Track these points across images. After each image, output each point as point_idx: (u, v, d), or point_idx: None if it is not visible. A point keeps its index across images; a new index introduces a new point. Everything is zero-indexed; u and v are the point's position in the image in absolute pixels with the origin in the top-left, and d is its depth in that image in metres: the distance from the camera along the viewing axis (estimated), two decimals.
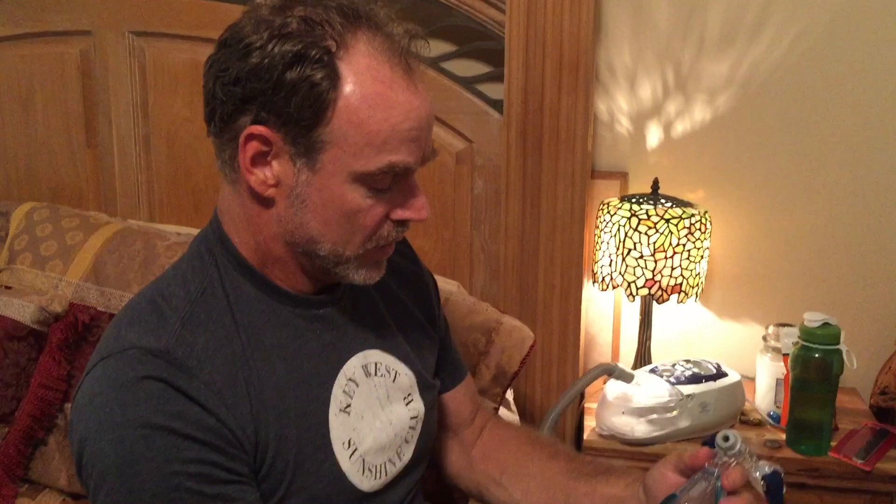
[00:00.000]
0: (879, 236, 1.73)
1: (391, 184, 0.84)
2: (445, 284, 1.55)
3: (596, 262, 1.71)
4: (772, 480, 0.88)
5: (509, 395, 1.60)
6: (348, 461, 0.90)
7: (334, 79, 0.79)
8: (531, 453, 1.09)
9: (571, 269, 1.67)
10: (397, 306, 1.02)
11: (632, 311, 1.81)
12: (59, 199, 1.83)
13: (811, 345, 1.48)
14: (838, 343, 1.47)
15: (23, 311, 1.31)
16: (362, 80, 0.80)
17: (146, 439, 0.77)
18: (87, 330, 1.30)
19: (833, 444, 1.53)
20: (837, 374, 1.49)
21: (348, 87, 0.80)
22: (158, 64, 1.80)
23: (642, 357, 1.74)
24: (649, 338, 1.74)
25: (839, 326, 1.48)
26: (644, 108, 1.78)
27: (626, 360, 1.81)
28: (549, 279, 1.68)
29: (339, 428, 0.90)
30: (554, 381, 1.71)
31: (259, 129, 0.81)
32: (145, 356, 0.80)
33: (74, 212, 1.52)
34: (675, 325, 1.84)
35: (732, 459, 0.86)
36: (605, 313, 1.85)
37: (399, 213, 0.86)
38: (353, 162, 0.81)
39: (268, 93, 0.79)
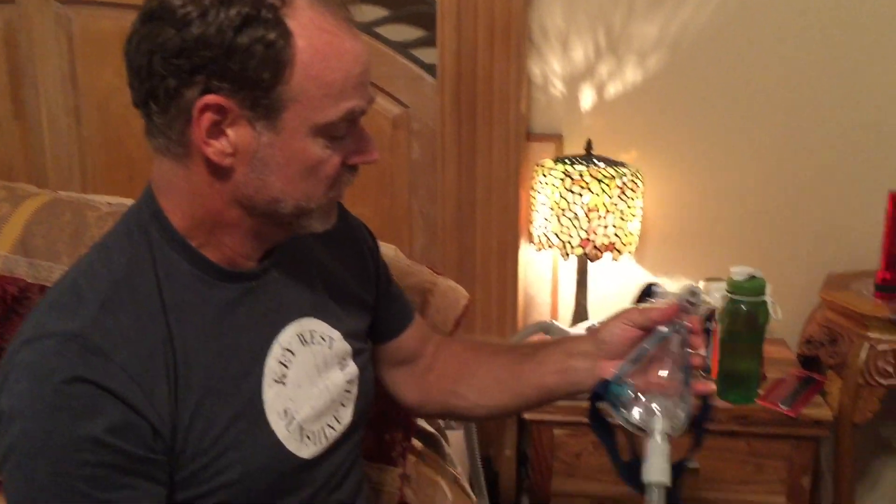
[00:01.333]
0: (806, 194, 1.79)
1: (346, 130, 0.85)
2: (382, 248, 1.56)
3: (532, 224, 1.73)
4: (712, 317, 0.97)
5: None
6: (286, 431, 0.91)
7: (287, 36, 0.78)
8: (476, 357, 1.13)
9: (508, 230, 1.69)
10: (329, 271, 1.02)
11: (570, 271, 1.84)
12: (9, 178, 1.80)
13: (738, 297, 1.53)
14: (764, 295, 1.53)
15: None
16: (311, 33, 0.79)
17: (48, 435, 0.77)
18: (17, 302, 1.28)
19: (760, 392, 1.59)
20: (763, 324, 1.55)
21: (301, 42, 0.79)
22: (86, 32, 1.77)
23: (579, 314, 1.78)
24: (585, 296, 1.78)
25: (764, 279, 1.54)
26: (577, 71, 1.81)
27: (564, 319, 1.85)
28: (486, 241, 1.70)
29: (275, 399, 0.90)
30: (494, 340, 1.74)
31: (213, 98, 0.79)
32: (61, 344, 0.79)
33: (2, 183, 1.50)
34: (612, 284, 1.88)
35: (694, 313, 0.92)
36: (543, 274, 1.89)
37: (354, 158, 0.87)
38: (314, 115, 0.81)
39: (219, 60, 0.78)
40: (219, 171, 0.84)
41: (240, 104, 0.80)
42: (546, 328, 1.53)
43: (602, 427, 0.98)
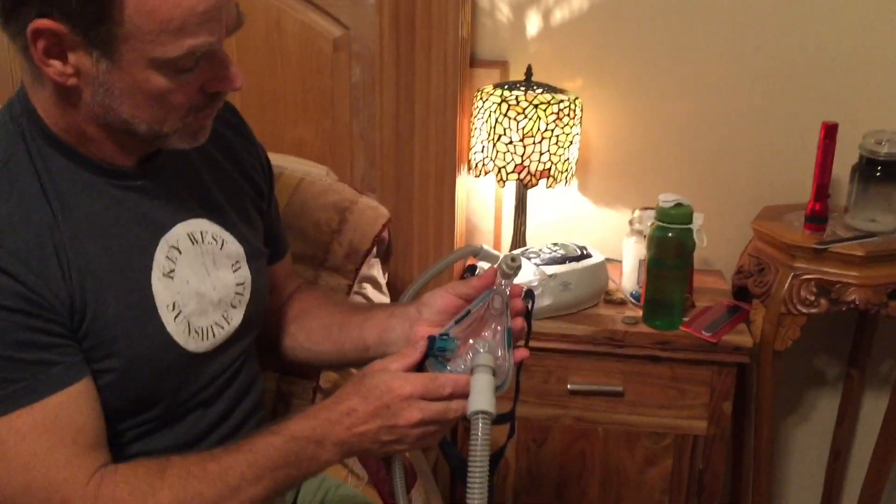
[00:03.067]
0: (744, 126, 1.79)
1: (197, 62, 0.84)
2: (312, 168, 1.57)
3: (471, 149, 1.74)
4: (530, 295, 0.99)
5: (382, 279, 1.65)
6: (173, 323, 0.94)
7: None
8: (318, 305, 1.17)
9: (445, 155, 1.70)
10: (224, 179, 1.04)
11: (513, 200, 1.85)
12: None
13: (665, 224, 1.54)
14: (690, 223, 1.54)
15: None
16: None
17: None
18: None
19: (685, 319, 1.62)
20: (690, 251, 1.57)
21: None
22: None
23: (517, 242, 1.80)
24: (524, 223, 1.79)
25: (691, 207, 1.55)
26: None
27: (506, 247, 1.87)
28: (424, 166, 1.71)
29: (163, 292, 0.93)
30: (430, 265, 1.76)
31: (44, 22, 0.79)
32: None
33: None
34: (553, 212, 1.89)
35: (513, 278, 0.94)
36: (486, 202, 1.90)
37: (213, 86, 0.87)
38: (151, 50, 0.80)
39: None
40: (67, 92, 0.84)
41: (73, 31, 0.79)
42: (475, 251, 1.55)
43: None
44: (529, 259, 1.63)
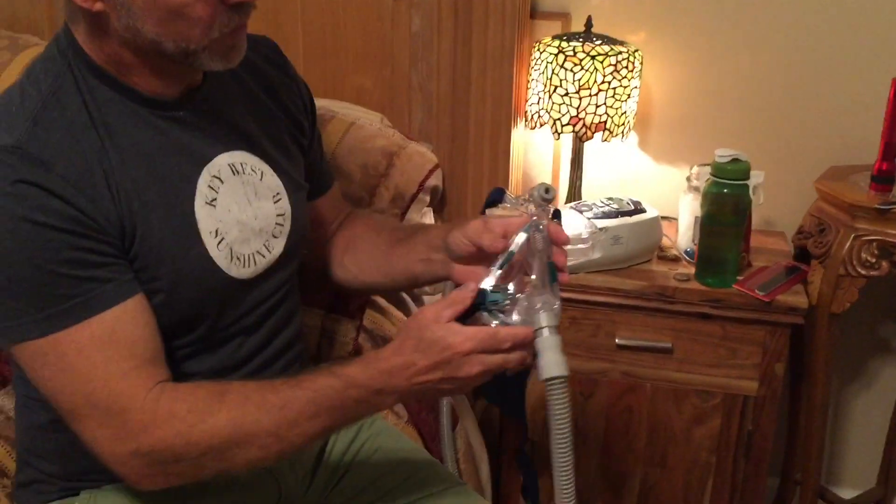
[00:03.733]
0: (811, 82, 1.73)
1: None
2: (365, 114, 1.60)
3: (527, 101, 1.73)
4: (557, 215, 0.99)
5: (431, 220, 1.67)
6: (216, 249, 0.98)
7: None
8: (363, 233, 1.20)
9: (501, 106, 1.70)
10: (265, 113, 1.07)
11: (569, 154, 1.84)
12: (16, 31, 1.88)
13: (720, 180, 1.51)
14: (746, 179, 1.51)
15: None
16: None
17: (13, 233, 0.84)
18: None
19: (740, 278, 1.59)
20: (745, 209, 1.54)
21: None
22: None
23: (572, 196, 1.79)
24: (580, 177, 1.78)
25: (748, 162, 1.51)
26: None
27: (561, 201, 1.86)
28: (479, 117, 1.71)
29: (206, 219, 0.97)
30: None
31: None
32: (1, 155, 0.85)
33: (6, 33, 1.58)
34: (611, 167, 1.87)
35: (549, 209, 0.94)
36: (544, 156, 1.90)
37: None
38: None
39: None
40: (96, 20, 0.88)
41: None
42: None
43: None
44: (582, 212, 1.62)
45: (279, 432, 0.90)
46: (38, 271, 0.85)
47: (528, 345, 0.90)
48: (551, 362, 0.88)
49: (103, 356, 0.88)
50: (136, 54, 0.92)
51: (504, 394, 1.04)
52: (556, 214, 0.97)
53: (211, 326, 0.99)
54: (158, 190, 0.94)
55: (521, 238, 0.94)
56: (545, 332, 0.89)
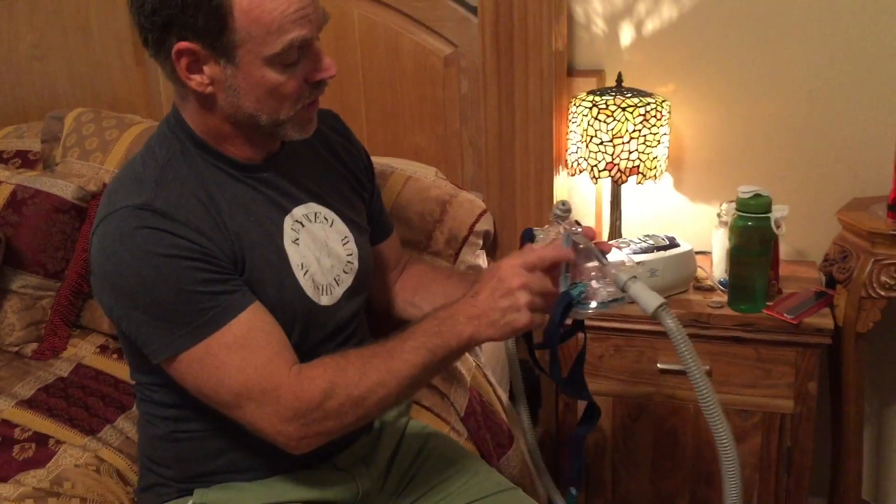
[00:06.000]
0: (830, 125, 1.88)
1: (299, 56, 1.08)
2: (421, 168, 1.80)
3: (567, 151, 1.92)
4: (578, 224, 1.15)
5: (484, 262, 1.85)
6: (303, 278, 1.18)
7: None
8: (435, 277, 1.40)
9: (543, 156, 1.88)
10: (330, 171, 1.29)
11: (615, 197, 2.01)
12: (118, 111, 2.15)
13: (744, 214, 1.67)
14: (768, 212, 1.66)
15: (65, 189, 1.67)
16: None
17: (156, 268, 1.05)
18: None
19: (770, 304, 1.72)
20: (769, 239, 1.68)
21: None
22: None
23: (613, 234, 1.95)
24: (619, 217, 1.95)
25: (769, 197, 1.66)
26: (617, 9, 1.95)
27: (604, 239, 2.02)
28: (524, 166, 1.90)
29: (294, 255, 1.18)
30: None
31: (183, 44, 1.04)
32: (133, 211, 1.07)
33: (113, 114, 1.84)
34: (649, 207, 2.04)
35: (569, 218, 1.13)
36: (587, 199, 2.07)
37: (313, 76, 1.11)
38: (262, 49, 1.05)
39: (178, 16, 1.02)
40: (206, 99, 1.10)
41: (203, 47, 1.05)
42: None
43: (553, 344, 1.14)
44: (621, 249, 1.79)
45: (392, 368, 1.08)
46: (180, 293, 1.05)
47: (556, 268, 1.08)
48: (649, 298, 1.05)
49: (247, 350, 1.07)
50: (234, 126, 1.13)
51: (567, 378, 1.21)
52: (578, 224, 1.15)
53: (295, 347, 1.18)
54: (257, 232, 1.15)
55: (567, 244, 1.11)
56: (630, 283, 1.07)
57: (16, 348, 1.64)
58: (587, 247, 1.11)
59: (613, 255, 1.73)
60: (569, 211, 1.12)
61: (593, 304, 1.10)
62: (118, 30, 2.15)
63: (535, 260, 1.07)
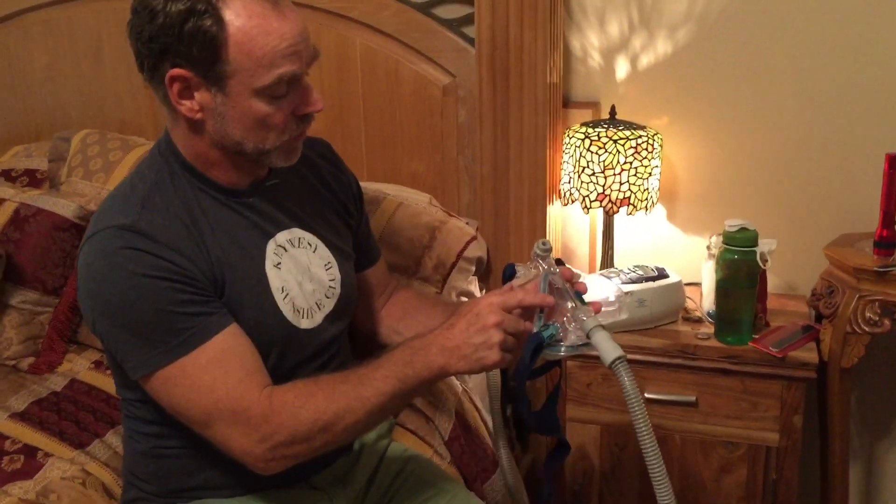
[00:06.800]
0: (820, 161, 1.90)
1: (287, 90, 1.12)
2: (414, 195, 1.84)
3: (560, 181, 1.95)
4: (560, 262, 1.17)
5: (476, 289, 1.88)
6: (283, 302, 1.21)
7: (220, 23, 1.06)
8: (419, 305, 1.42)
9: (537, 185, 1.92)
10: (316, 198, 1.32)
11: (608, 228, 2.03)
12: (126, 133, 2.21)
13: (731, 247, 1.69)
14: (754, 246, 1.68)
15: (66, 208, 1.72)
16: (241, 19, 1.07)
17: (136, 288, 1.08)
18: None
19: (756, 336, 1.74)
20: (755, 273, 1.70)
21: (232, 28, 1.06)
22: None
23: (605, 264, 1.98)
24: (611, 247, 1.97)
25: (755, 231, 1.68)
26: (613, 44, 1.99)
27: (596, 269, 2.05)
28: (518, 195, 1.93)
29: (275, 279, 1.21)
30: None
31: (176, 71, 1.08)
32: (117, 231, 1.11)
33: (118, 136, 1.90)
34: (642, 238, 2.06)
35: (549, 258, 1.14)
36: (581, 229, 2.10)
37: (301, 109, 1.15)
38: (252, 81, 1.09)
39: (174, 44, 1.07)
40: (195, 124, 1.14)
41: (196, 74, 1.09)
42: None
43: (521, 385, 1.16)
44: (610, 278, 1.81)
45: (361, 395, 1.10)
46: (158, 313, 1.09)
47: (533, 309, 1.10)
48: (608, 349, 1.07)
49: (221, 370, 1.11)
50: (221, 152, 1.17)
51: (540, 417, 1.23)
52: (559, 262, 1.17)
53: (273, 368, 1.21)
54: (239, 255, 1.18)
55: (544, 285, 1.14)
56: (594, 330, 1.08)
57: (13, 362, 1.69)
58: (563, 288, 1.13)
59: (601, 286, 1.76)
60: (549, 251, 1.14)
61: (563, 348, 1.11)
62: (128, 53, 2.15)
63: (515, 304, 1.09)
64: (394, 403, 1.13)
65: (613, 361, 1.06)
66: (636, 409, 1.05)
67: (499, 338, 1.07)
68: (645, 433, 1.06)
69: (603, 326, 1.09)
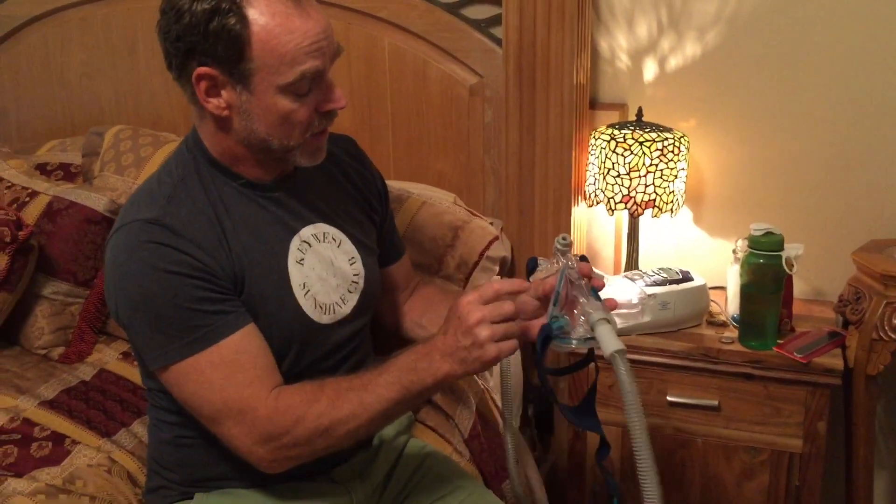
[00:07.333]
0: (850, 165, 1.88)
1: (311, 87, 1.13)
2: (438, 193, 1.85)
3: (586, 182, 1.95)
4: (584, 258, 1.16)
5: None
6: (304, 298, 1.23)
7: (244, 21, 1.08)
8: (444, 300, 1.43)
9: (561, 186, 1.92)
10: (342, 194, 1.34)
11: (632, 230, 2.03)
12: (159, 129, 2.25)
13: (756, 251, 1.68)
14: (780, 250, 1.66)
15: (98, 202, 1.76)
16: (264, 17, 1.09)
17: (157, 282, 1.11)
18: None
19: (781, 341, 1.73)
20: (781, 277, 1.69)
21: (256, 26, 1.09)
22: None
23: (630, 266, 1.97)
24: (636, 250, 1.97)
25: (781, 235, 1.67)
26: (641, 45, 1.99)
27: (622, 271, 2.04)
28: (543, 195, 1.94)
29: (297, 275, 1.23)
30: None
31: (203, 69, 1.11)
32: (143, 225, 1.13)
33: (150, 132, 1.93)
34: (668, 241, 2.05)
35: (570, 253, 1.14)
36: (607, 231, 2.10)
37: (324, 106, 1.16)
38: (275, 78, 1.11)
39: (200, 43, 1.09)
40: (222, 122, 1.17)
41: (222, 73, 1.11)
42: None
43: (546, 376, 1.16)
44: (634, 280, 1.81)
45: (365, 401, 1.11)
46: (177, 309, 1.12)
47: (515, 293, 1.10)
48: (609, 341, 1.06)
49: (232, 370, 1.13)
50: (247, 149, 1.19)
51: (580, 414, 1.23)
52: (583, 259, 1.16)
53: (292, 363, 1.22)
54: (261, 251, 1.20)
55: (561, 278, 1.14)
56: (598, 324, 1.08)
57: (44, 351, 1.73)
58: (577, 283, 1.13)
59: (625, 288, 1.76)
60: (569, 245, 1.15)
61: (573, 341, 1.11)
62: (161, 52, 2.24)
63: (492, 294, 1.08)
64: (398, 409, 1.13)
65: (612, 354, 1.05)
66: (631, 403, 1.04)
67: (486, 333, 1.06)
68: (638, 429, 1.05)
69: (608, 320, 1.09)
